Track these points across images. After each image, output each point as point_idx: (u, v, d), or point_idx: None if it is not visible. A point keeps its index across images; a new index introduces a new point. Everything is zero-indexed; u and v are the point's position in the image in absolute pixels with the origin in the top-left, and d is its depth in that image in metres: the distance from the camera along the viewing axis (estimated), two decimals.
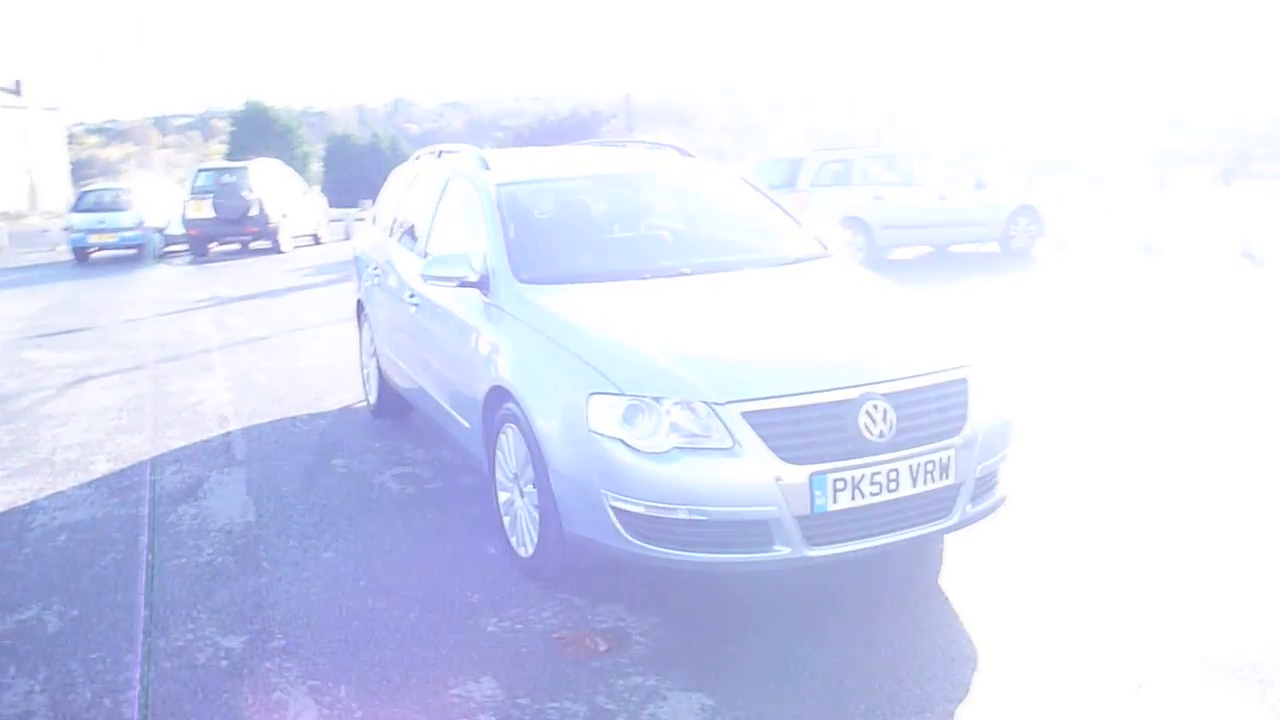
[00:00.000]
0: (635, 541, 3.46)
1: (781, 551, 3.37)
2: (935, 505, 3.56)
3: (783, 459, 3.33)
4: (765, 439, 3.34)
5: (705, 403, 3.40)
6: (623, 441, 3.43)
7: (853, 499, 3.39)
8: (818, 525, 3.37)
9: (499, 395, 4.09)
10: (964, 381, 3.70)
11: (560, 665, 3.33)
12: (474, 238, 4.76)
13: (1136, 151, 40.51)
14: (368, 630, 3.63)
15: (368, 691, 3.20)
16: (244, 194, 20.26)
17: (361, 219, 14.38)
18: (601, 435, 3.48)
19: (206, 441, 6.25)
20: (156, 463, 5.82)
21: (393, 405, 6.43)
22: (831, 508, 3.37)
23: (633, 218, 5.18)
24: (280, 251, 20.80)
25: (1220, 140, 46.96)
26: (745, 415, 3.36)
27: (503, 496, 4.22)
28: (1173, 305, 10.41)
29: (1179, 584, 3.77)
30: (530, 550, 3.95)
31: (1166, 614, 3.54)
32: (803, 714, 2.99)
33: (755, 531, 3.36)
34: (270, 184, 21.21)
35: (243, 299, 13.40)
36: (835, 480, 3.36)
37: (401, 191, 6.29)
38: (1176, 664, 3.19)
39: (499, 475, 4.22)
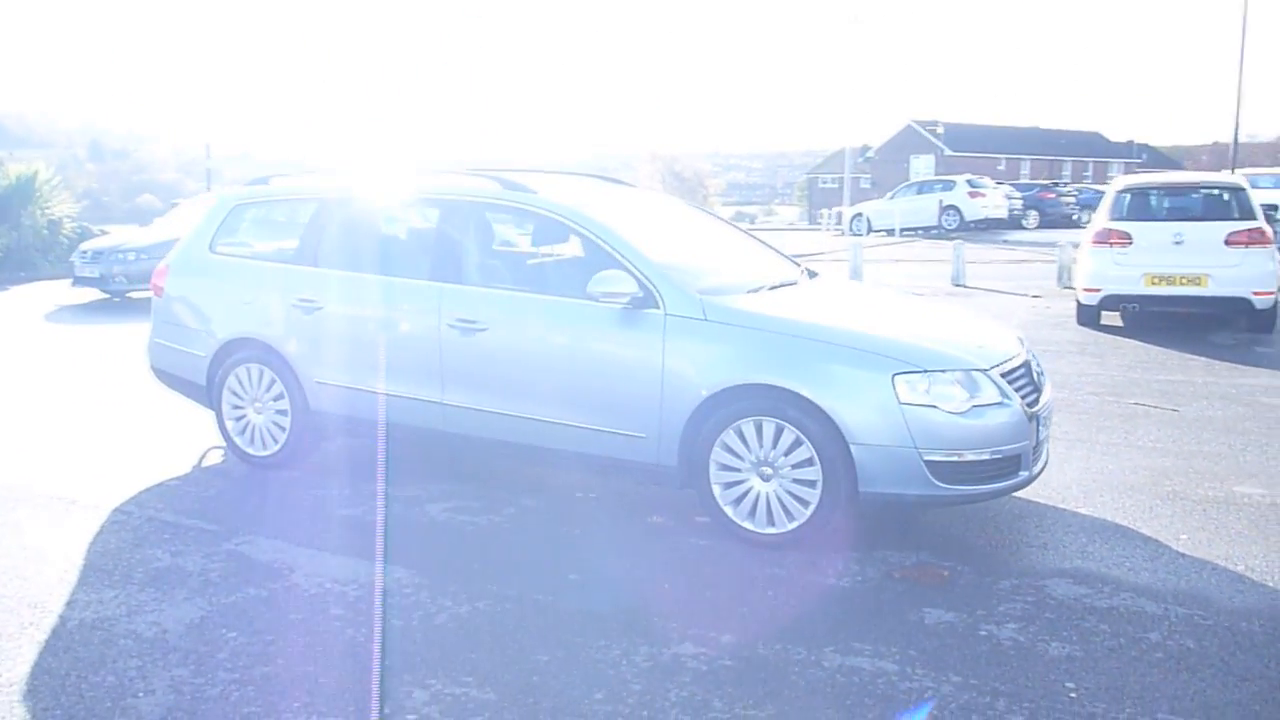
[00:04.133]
0: (943, 486, 4.40)
1: (1024, 475, 4.62)
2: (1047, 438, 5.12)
3: (1026, 405, 4.60)
4: (1017, 392, 4.58)
5: (979, 370, 4.50)
6: (935, 407, 4.37)
7: (1045, 432, 4.79)
8: (1035, 452, 4.70)
9: (730, 395, 4.56)
10: (1031, 351, 5.31)
11: (944, 592, 4.16)
12: (590, 261, 5.00)
13: None
14: (777, 611, 3.99)
15: (895, 634, 3.72)
16: None
17: None
18: (912, 405, 4.36)
19: (124, 521, 5.02)
20: (137, 569, 4.63)
21: (308, 450, 5.84)
22: (1040, 439, 4.73)
23: (685, 237, 5.69)
24: None
25: None
26: (1003, 375, 4.56)
27: (717, 490, 4.67)
28: None
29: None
30: (791, 524, 4.54)
31: None
32: (1133, 560, 4.33)
33: (1014, 462, 4.56)
34: None
35: None
36: (1042, 418, 4.73)
37: (325, 219, 5.74)
38: None
39: (713, 470, 4.66)
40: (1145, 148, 77.58)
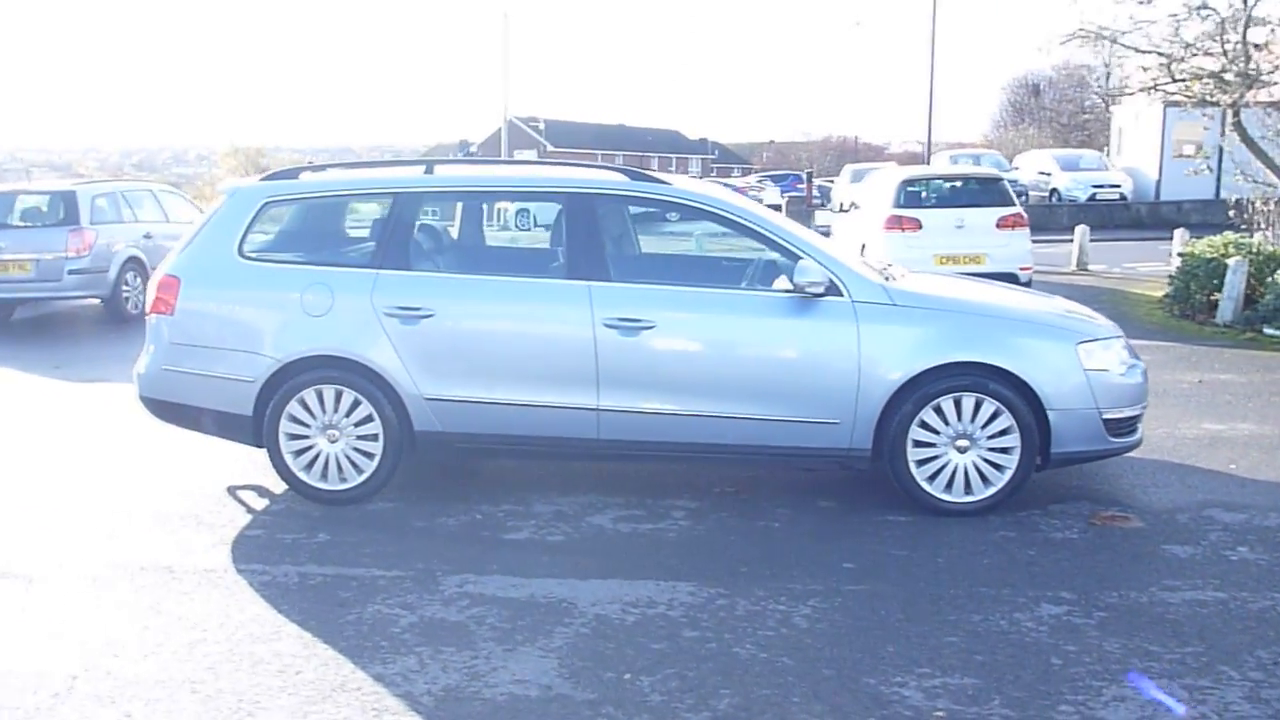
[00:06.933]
0: (1114, 440, 5.01)
1: (1141, 428, 5.34)
2: None
3: None
4: None
5: (1118, 337, 5.16)
6: (1107, 370, 4.95)
7: None
8: None
9: (931, 375, 4.82)
10: None
11: (1150, 532, 4.76)
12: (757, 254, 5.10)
13: None
14: (1058, 567, 4.36)
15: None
16: None
17: None
18: (1093, 370, 4.91)
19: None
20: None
21: (393, 477, 5.19)
22: None
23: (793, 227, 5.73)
24: None
25: None
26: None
27: (914, 467, 4.91)
28: None
29: None
30: (988, 490, 4.91)
31: None
32: (1228, 487, 5.19)
33: (1141, 417, 5.26)
34: None
35: None
36: None
37: (408, 216, 5.10)
38: None
39: (909, 447, 4.89)
40: (717, 145, 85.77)
